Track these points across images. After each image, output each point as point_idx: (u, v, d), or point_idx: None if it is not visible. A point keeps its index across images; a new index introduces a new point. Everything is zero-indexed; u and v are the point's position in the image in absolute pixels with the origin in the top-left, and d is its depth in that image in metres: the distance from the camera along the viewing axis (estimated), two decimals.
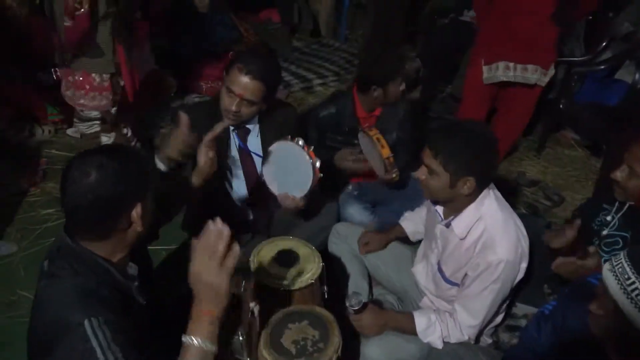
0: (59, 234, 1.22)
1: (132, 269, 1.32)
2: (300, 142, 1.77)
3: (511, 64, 2.69)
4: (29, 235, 2.46)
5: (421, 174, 1.59)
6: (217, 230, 1.08)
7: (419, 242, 2.02)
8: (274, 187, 1.92)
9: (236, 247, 1.10)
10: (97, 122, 2.62)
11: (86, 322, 1.06)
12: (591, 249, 1.56)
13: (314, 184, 1.79)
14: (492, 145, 1.55)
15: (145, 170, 1.22)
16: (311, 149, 1.77)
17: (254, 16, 4.56)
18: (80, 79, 2.48)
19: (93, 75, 2.44)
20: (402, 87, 2.32)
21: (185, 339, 1.10)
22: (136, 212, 1.18)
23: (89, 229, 1.18)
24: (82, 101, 2.51)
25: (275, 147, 1.84)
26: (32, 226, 2.51)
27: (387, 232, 2.06)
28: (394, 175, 2.12)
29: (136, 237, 1.25)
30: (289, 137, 1.80)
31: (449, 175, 1.52)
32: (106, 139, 2.62)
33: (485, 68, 2.75)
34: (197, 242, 1.10)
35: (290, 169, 1.82)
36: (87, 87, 2.47)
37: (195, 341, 1.08)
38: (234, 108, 1.80)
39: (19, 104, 3.06)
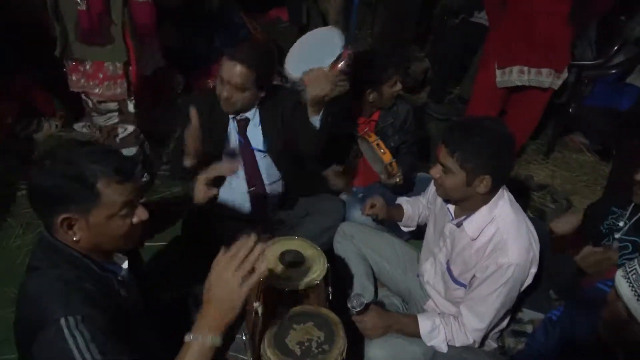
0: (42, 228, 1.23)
1: (120, 259, 1.31)
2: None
3: (525, 68, 2.66)
4: (34, 229, 2.45)
5: (435, 172, 1.57)
6: (249, 245, 1.10)
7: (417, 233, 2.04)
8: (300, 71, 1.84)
9: (262, 266, 1.11)
10: (115, 113, 2.54)
11: (62, 321, 1.05)
12: (614, 245, 1.54)
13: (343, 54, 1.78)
14: (509, 143, 1.53)
15: (90, 185, 1.14)
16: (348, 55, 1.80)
17: (263, 15, 4.55)
18: (92, 69, 2.43)
19: (106, 64, 2.39)
20: (398, 87, 2.25)
21: (187, 337, 1.09)
22: (58, 220, 1.15)
23: (37, 214, 1.20)
24: (96, 91, 2.46)
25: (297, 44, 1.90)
26: (37, 220, 2.49)
27: (391, 209, 2.05)
28: (397, 180, 2.10)
29: (88, 245, 1.20)
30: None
31: (465, 173, 1.51)
32: (123, 130, 2.57)
33: (498, 72, 2.72)
34: (226, 251, 1.11)
35: (315, 46, 1.85)
36: (101, 76, 2.43)
37: (199, 338, 1.08)
38: (225, 94, 1.85)
39: (25, 99, 3.06)
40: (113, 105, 2.52)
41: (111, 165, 1.16)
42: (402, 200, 2.08)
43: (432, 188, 1.92)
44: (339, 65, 1.78)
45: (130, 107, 2.56)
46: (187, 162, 1.78)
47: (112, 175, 1.16)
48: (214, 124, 1.95)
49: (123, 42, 2.37)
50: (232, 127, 1.99)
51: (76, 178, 1.13)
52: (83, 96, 2.54)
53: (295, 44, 1.95)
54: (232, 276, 1.09)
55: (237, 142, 2.00)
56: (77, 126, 3.23)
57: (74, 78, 2.46)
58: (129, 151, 2.60)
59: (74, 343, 1.03)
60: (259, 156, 2.05)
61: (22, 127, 3.08)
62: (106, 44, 2.34)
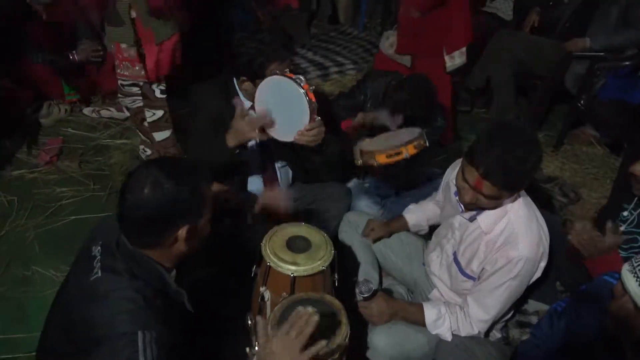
0: (113, 227, 1.24)
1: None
2: (295, 77, 1.64)
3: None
4: (44, 212, 2.49)
5: (472, 199, 1.50)
6: (307, 314, 1.13)
7: (430, 232, 2.01)
8: (272, 132, 1.79)
9: (322, 342, 1.14)
10: (139, 97, 2.51)
11: (140, 334, 1.09)
12: (609, 223, 1.52)
13: (311, 119, 1.67)
14: (537, 140, 1.49)
15: (200, 193, 1.22)
16: (311, 89, 1.65)
17: (273, 2, 4.52)
18: (115, 49, 2.43)
19: (121, 45, 2.36)
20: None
21: None
22: (182, 233, 1.20)
23: (134, 237, 1.21)
24: (119, 71, 2.45)
25: (265, 83, 1.71)
26: (47, 203, 2.54)
27: (389, 222, 2.04)
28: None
29: (181, 255, 1.27)
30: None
31: (509, 192, 1.49)
32: (151, 115, 2.53)
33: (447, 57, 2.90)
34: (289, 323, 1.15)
35: (283, 107, 1.71)
36: (120, 56, 2.41)
37: None
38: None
39: (36, 84, 3.08)
40: (135, 89, 2.50)
41: (196, 213, 1.22)
42: (407, 210, 2.05)
43: (443, 183, 1.90)
44: (313, 115, 1.68)
45: (157, 92, 2.50)
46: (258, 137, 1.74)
47: (194, 221, 1.22)
48: (230, 111, 1.94)
49: (131, 24, 2.31)
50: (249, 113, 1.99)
51: (192, 189, 1.20)
52: (118, 79, 2.53)
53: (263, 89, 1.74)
54: (291, 343, 1.10)
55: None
56: (87, 111, 3.25)
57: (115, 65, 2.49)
58: (159, 135, 2.58)
59: (144, 357, 1.08)
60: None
61: (32, 110, 3.11)
62: (117, 24, 2.31)
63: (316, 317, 1.14)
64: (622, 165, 2.66)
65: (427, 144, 1.87)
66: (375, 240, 2.00)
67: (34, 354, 1.76)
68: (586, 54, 3.09)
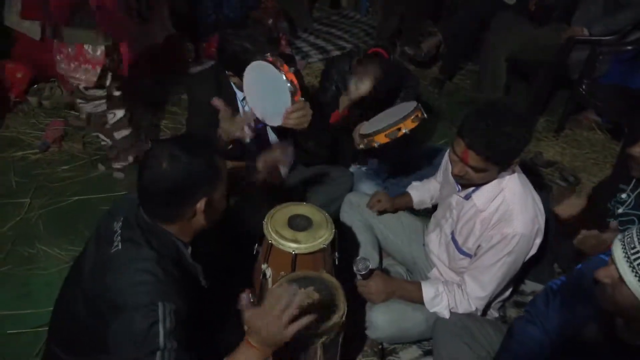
0: (133, 204, 1.28)
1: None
2: (279, 63, 1.62)
3: None
4: (48, 192, 2.51)
5: (461, 171, 1.54)
6: (292, 290, 1.18)
7: (429, 213, 2.03)
8: (258, 112, 1.77)
9: (308, 317, 1.19)
10: (103, 100, 2.40)
11: (160, 305, 1.12)
12: (613, 224, 1.54)
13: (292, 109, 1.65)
14: (528, 119, 1.53)
15: (215, 166, 1.25)
16: (291, 70, 1.63)
17: None
18: (74, 51, 2.27)
19: (85, 47, 2.24)
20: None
21: None
22: (200, 205, 1.23)
23: (154, 212, 1.25)
24: (74, 74, 2.31)
25: (248, 69, 1.70)
26: (51, 183, 2.56)
27: (394, 197, 2.06)
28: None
29: (199, 228, 1.30)
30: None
31: (498, 166, 1.51)
32: (112, 117, 2.43)
33: None
34: (274, 292, 1.20)
35: (267, 92, 1.70)
36: (81, 58, 2.28)
37: None
38: None
39: (40, 64, 3.08)
40: (101, 92, 2.38)
41: (214, 185, 1.25)
42: (411, 187, 2.09)
43: (443, 163, 1.92)
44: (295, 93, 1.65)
45: (115, 91, 2.43)
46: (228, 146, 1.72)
47: (211, 193, 1.25)
48: (223, 100, 1.95)
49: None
50: (242, 103, 1.99)
51: (208, 162, 1.23)
52: (70, 81, 2.40)
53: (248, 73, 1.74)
54: (275, 318, 1.14)
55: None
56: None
57: (58, 60, 2.33)
58: (121, 134, 2.50)
59: (163, 327, 1.11)
60: (271, 133, 2.06)
61: (34, 91, 3.11)
62: (86, 26, 2.18)
63: (302, 293, 1.18)
64: (622, 149, 2.67)
65: (425, 116, 1.88)
66: (380, 213, 2.02)
67: (39, 329, 1.83)
68: (590, 38, 3.08)
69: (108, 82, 2.36)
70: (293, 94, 1.63)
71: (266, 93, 1.69)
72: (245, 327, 1.21)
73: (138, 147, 2.59)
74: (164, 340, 1.10)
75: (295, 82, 1.62)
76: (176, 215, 1.25)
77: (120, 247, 1.21)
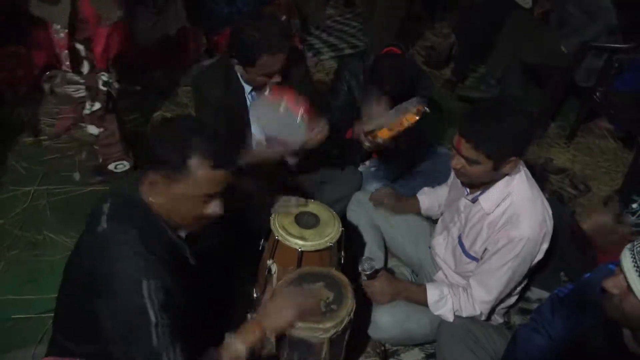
0: (122, 189, 1.31)
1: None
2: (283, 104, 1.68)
3: None
4: (54, 176, 2.52)
5: (457, 164, 1.55)
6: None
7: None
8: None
9: (320, 284, 1.40)
10: (82, 87, 2.25)
11: (144, 282, 1.12)
12: (628, 219, 1.53)
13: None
14: (529, 118, 1.52)
15: (182, 154, 1.18)
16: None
17: None
18: (49, 30, 2.17)
19: (54, 25, 2.10)
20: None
21: (231, 339, 1.21)
22: (155, 181, 1.21)
23: (152, 160, 1.22)
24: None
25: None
26: (61, 171, 2.57)
27: (403, 199, 2.05)
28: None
29: (188, 218, 1.27)
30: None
31: (492, 162, 1.50)
32: (90, 106, 2.29)
33: None
34: (301, 296, 1.35)
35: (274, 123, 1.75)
36: (51, 38, 2.18)
37: (238, 346, 1.21)
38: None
39: (51, 52, 3.08)
40: (77, 77, 2.26)
41: (213, 147, 1.18)
42: (421, 192, 2.07)
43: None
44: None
45: (99, 83, 2.24)
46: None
47: (208, 157, 1.17)
48: (232, 96, 1.94)
49: (69, 4, 2.03)
50: (250, 97, 1.99)
51: (172, 144, 1.18)
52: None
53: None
54: (294, 316, 1.28)
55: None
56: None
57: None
58: (91, 129, 2.39)
59: (151, 304, 1.11)
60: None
61: (46, 79, 3.12)
62: (51, 2, 2.03)
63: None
64: (634, 159, 2.65)
65: (427, 109, 1.88)
66: (377, 204, 2.02)
67: (44, 314, 1.84)
68: (605, 45, 3.04)
69: (85, 70, 2.24)
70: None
71: (274, 125, 1.75)
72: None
73: (115, 159, 2.48)
74: (154, 315, 1.11)
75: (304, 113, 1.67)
76: (166, 163, 1.19)
77: (105, 226, 1.20)
